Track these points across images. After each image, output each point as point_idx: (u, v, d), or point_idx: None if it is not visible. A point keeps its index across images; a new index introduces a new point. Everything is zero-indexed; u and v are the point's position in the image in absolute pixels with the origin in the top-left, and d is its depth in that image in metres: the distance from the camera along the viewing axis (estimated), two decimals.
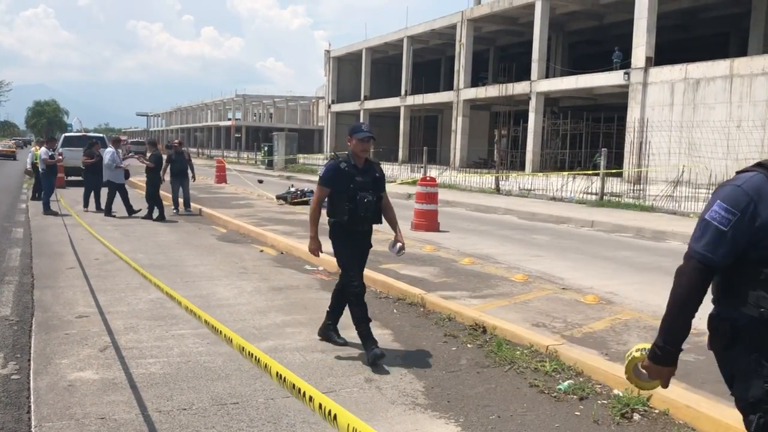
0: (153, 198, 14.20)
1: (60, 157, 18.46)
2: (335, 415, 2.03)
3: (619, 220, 14.45)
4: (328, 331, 5.56)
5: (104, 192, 14.97)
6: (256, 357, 2.60)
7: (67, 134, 28.62)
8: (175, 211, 15.46)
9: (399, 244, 5.33)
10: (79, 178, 18.74)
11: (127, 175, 15.52)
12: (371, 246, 5.46)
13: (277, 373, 2.42)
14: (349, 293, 5.26)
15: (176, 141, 17.82)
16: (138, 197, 16.20)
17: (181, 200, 15.65)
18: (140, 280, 7.82)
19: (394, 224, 5.48)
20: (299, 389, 2.26)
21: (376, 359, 4.97)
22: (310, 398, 2.19)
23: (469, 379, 4.74)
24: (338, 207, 5.15)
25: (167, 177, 15.18)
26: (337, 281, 5.57)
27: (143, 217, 14.23)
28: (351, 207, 5.10)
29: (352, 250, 5.26)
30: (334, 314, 5.56)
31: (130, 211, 14.68)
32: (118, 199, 14.64)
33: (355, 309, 5.24)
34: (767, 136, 21.16)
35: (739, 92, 22.14)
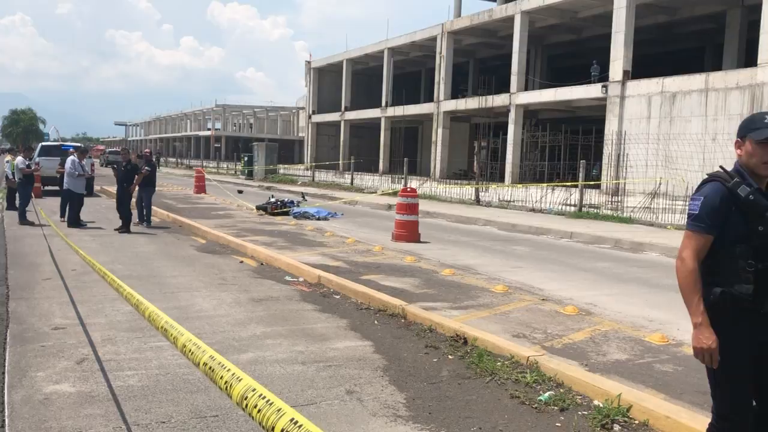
0: (124, 209, 13.90)
1: (37, 167, 18.25)
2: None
3: (598, 231, 14.57)
4: None
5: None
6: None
7: (44, 143, 28.18)
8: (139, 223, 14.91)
9: None
10: (56, 188, 18.52)
11: (90, 184, 15.00)
12: None
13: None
14: None
15: (146, 150, 17.62)
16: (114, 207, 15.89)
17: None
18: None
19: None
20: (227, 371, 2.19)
21: None
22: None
23: (450, 391, 4.74)
24: (730, 267, 2.87)
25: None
26: None
27: (120, 231, 13.81)
28: (761, 269, 2.83)
29: (747, 357, 2.90)
30: None
31: (75, 222, 14.28)
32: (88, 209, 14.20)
33: None
34: None
35: (714, 106, 22.51)
